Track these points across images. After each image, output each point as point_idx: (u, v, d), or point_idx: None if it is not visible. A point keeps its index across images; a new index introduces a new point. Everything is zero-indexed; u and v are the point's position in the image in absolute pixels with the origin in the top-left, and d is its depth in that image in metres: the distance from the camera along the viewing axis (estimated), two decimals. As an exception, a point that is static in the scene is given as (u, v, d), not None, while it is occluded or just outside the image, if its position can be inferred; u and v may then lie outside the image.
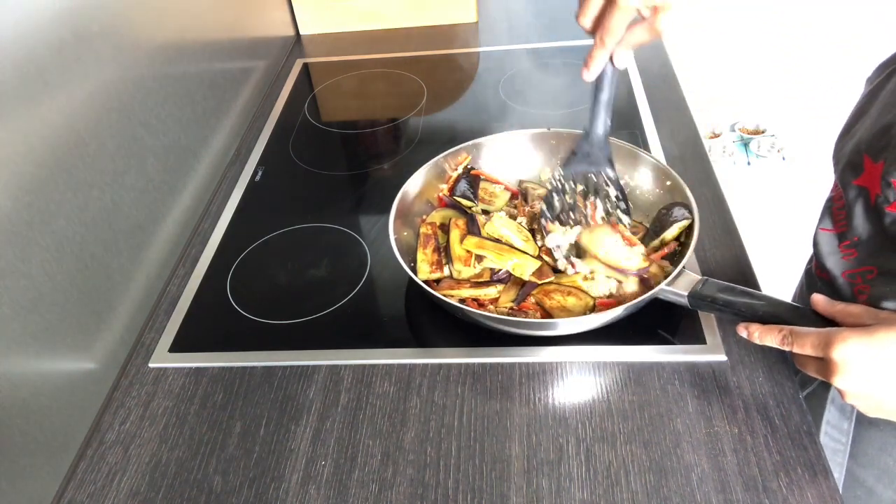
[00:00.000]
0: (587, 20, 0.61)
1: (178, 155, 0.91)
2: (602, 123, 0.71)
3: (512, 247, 0.75)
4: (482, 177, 0.87)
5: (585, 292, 0.71)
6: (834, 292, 0.64)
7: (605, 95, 0.68)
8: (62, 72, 0.68)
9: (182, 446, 0.67)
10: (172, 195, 0.89)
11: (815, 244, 0.68)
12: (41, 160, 0.65)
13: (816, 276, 0.69)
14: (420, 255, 0.77)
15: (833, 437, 0.71)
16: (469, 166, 0.87)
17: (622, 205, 0.75)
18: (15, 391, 0.60)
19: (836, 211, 0.65)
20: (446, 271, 0.76)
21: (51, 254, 0.65)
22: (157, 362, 0.75)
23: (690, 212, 0.74)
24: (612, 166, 0.75)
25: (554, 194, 0.76)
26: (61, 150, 0.68)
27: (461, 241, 0.76)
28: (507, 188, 0.87)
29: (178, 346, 0.76)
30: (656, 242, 0.75)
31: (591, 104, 0.70)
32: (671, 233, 0.74)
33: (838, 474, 0.71)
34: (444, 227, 0.81)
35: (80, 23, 0.71)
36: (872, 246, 0.61)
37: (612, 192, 0.75)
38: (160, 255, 0.85)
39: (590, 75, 0.65)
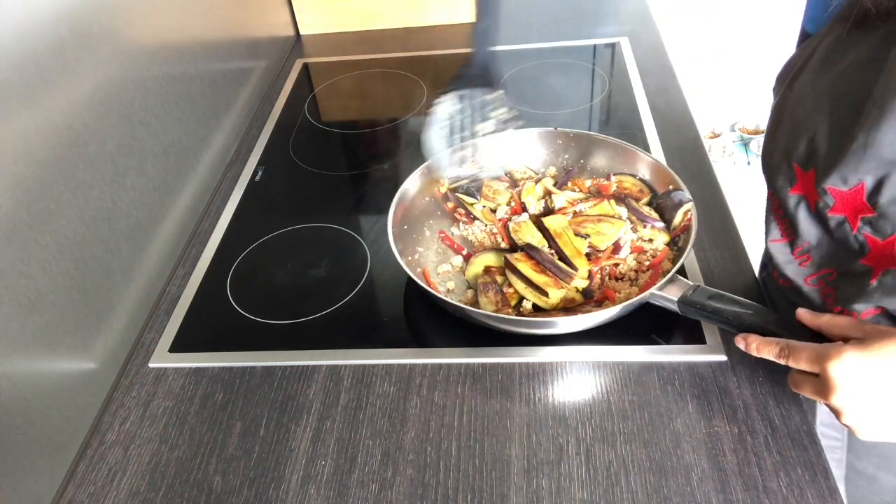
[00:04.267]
0: None
1: (178, 155, 0.91)
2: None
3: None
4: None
5: (618, 217, 0.76)
6: (801, 299, 0.65)
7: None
8: (62, 72, 0.68)
9: (182, 446, 0.67)
10: (172, 195, 0.89)
11: (770, 257, 0.69)
12: (41, 160, 0.65)
13: (780, 285, 0.70)
14: (483, 300, 0.73)
15: (828, 436, 0.71)
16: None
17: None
18: (15, 391, 0.60)
19: (779, 220, 0.67)
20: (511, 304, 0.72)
21: (51, 254, 0.65)
22: (157, 362, 0.75)
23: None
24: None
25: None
26: (61, 150, 0.68)
27: (533, 267, 0.73)
28: (509, 186, 0.87)
29: (178, 346, 0.76)
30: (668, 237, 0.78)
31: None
32: (678, 219, 0.76)
33: (838, 470, 0.71)
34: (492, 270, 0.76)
35: (80, 23, 0.71)
36: (824, 249, 0.62)
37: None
38: (160, 255, 0.85)
39: None
